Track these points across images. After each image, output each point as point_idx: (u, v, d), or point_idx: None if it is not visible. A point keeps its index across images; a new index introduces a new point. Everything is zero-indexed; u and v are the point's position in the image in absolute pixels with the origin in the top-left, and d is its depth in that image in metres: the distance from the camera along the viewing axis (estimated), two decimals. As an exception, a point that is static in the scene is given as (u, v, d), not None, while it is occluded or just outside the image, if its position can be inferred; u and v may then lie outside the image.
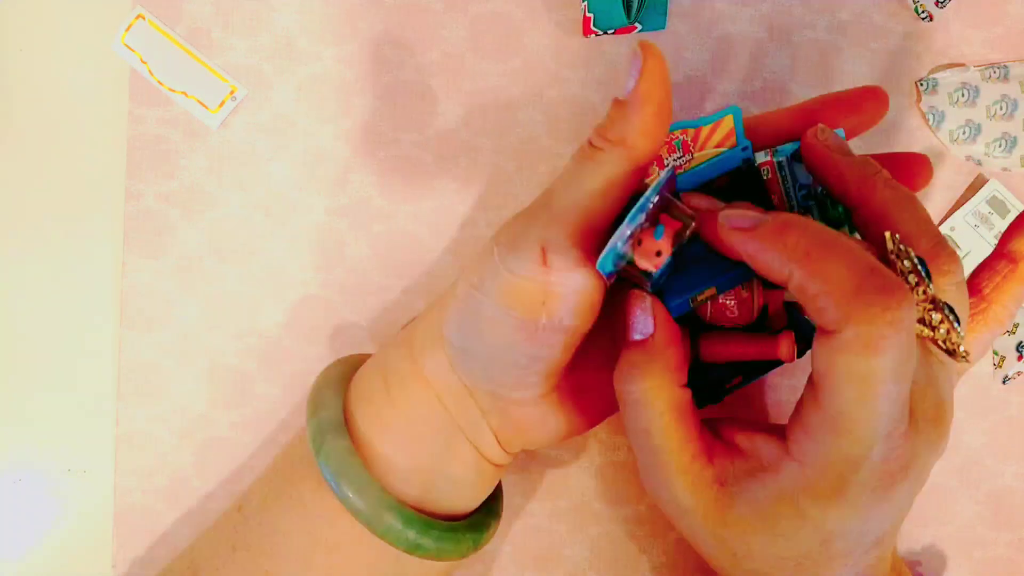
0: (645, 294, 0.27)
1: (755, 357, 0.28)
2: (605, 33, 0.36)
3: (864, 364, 0.22)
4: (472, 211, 0.37)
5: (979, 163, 0.37)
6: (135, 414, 0.37)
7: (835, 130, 0.28)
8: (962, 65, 0.37)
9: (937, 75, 0.37)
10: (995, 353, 0.38)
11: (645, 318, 0.26)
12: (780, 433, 0.26)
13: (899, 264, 0.24)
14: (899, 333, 0.22)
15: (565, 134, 0.37)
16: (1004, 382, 0.38)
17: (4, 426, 0.38)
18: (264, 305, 0.37)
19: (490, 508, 0.32)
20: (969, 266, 0.33)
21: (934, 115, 0.37)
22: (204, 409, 0.37)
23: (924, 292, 0.24)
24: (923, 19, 0.37)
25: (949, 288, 0.25)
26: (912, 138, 0.37)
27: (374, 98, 0.37)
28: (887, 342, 0.22)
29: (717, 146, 0.29)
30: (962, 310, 0.26)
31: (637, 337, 0.26)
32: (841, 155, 0.27)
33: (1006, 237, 0.29)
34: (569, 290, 0.26)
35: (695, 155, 0.29)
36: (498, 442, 0.30)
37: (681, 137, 0.29)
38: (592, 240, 0.26)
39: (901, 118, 0.37)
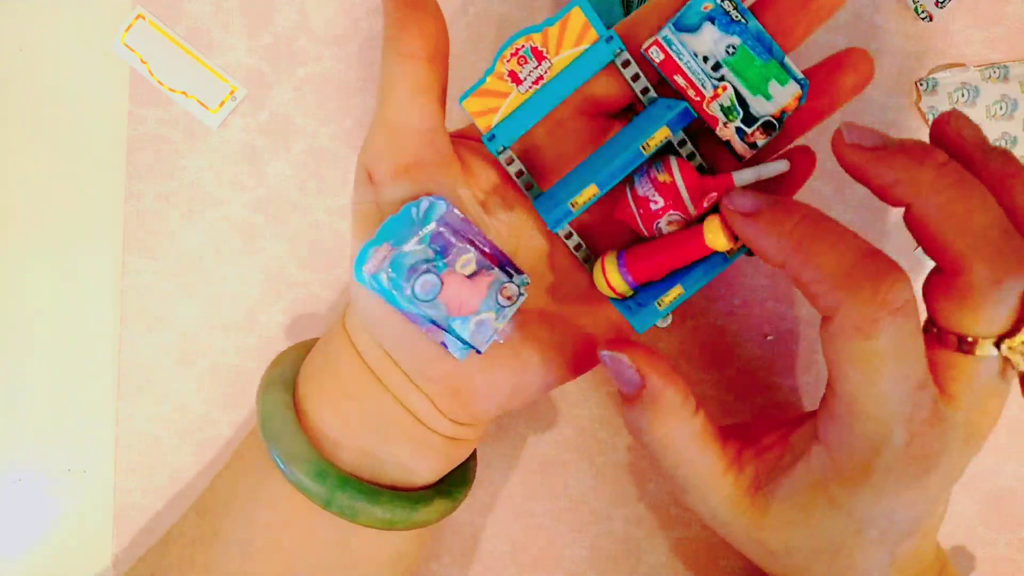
0: (615, 353, 0.26)
1: (687, 258, 0.26)
2: (605, 33, 0.36)
3: (861, 347, 0.22)
4: (472, 211, 0.37)
5: (979, 163, 0.37)
6: (135, 414, 0.37)
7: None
8: (962, 65, 0.37)
9: (937, 75, 0.37)
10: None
11: (627, 373, 0.26)
12: (812, 422, 0.26)
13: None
14: (893, 315, 0.22)
15: (565, 134, 0.37)
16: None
17: (4, 426, 0.38)
18: (264, 305, 0.37)
19: (442, 488, 0.31)
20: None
21: (934, 115, 0.37)
22: (204, 409, 0.37)
23: None
24: (923, 19, 0.37)
25: None
26: (912, 138, 0.37)
27: (374, 98, 0.37)
28: (880, 324, 0.22)
29: (576, 45, 0.26)
30: None
31: (628, 391, 0.26)
32: (879, 155, 0.24)
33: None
34: (395, 199, 0.26)
35: (553, 61, 0.26)
36: (437, 409, 0.29)
37: (527, 44, 0.26)
38: (414, 147, 0.26)
39: (901, 118, 0.37)
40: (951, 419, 0.24)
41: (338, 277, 0.37)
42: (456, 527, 0.38)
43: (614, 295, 0.27)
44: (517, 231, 0.28)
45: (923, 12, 0.36)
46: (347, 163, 0.37)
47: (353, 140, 0.37)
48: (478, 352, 0.27)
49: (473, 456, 0.34)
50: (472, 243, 0.26)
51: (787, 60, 0.26)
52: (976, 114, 0.37)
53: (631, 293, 0.27)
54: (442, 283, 0.26)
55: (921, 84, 0.37)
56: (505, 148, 0.27)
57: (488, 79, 0.26)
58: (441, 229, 0.26)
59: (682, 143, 0.27)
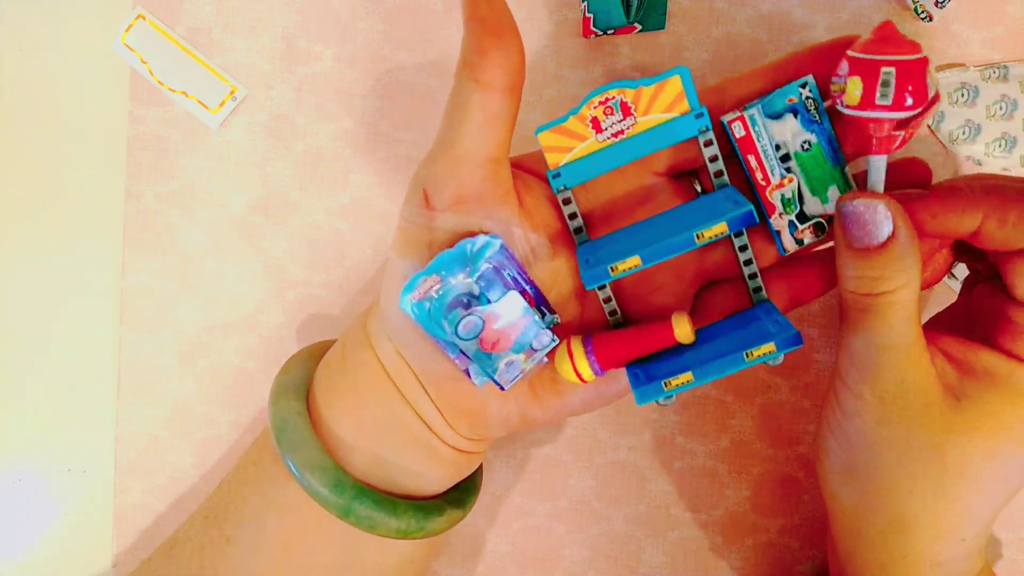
0: (871, 198, 0.25)
1: (654, 347, 0.27)
2: (605, 33, 0.36)
3: None
4: (472, 211, 0.37)
5: (979, 163, 0.37)
6: (135, 414, 0.37)
7: (806, 78, 0.26)
8: (962, 65, 0.37)
9: (937, 75, 0.37)
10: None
11: (879, 222, 0.25)
12: (993, 348, 0.26)
13: None
14: None
15: (565, 134, 0.37)
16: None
17: (4, 426, 0.38)
18: (264, 305, 0.37)
19: (452, 497, 0.31)
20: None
21: (934, 115, 0.37)
22: (204, 409, 0.37)
23: None
24: (923, 19, 0.37)
25: None
26: (911, 138, 0.37)
27: (374, 98, 0.37)
28: None
29: (666, 111, 0.26)
30: None
31: (875, 243, 0.25)
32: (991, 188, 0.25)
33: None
34: (448, 228, 0.26)
35: (638, 120, 0.26)
36: (446, 422, 0.29)
37: (618, 97, 0.26)
38: (477, 178, 0.26)
39: (901, 118, 0.37)
40: None
41: (338, 277, 0.37)
42: (457, 527, 0.38)
43: (578, 380, 0.27)
44: (557, 272, 0.28)
45: (923, 12, 0.36)
46: (347, 163, 0.37)
47: (353, 140, 0.37)
48: (502, 388, 0.27)
49: (480, 465, 0.34)
50: (516, 282, 0.27)
51: (847, 169, 0.26)
52: (976, 114, 0.37)
53: (591, 379, 0.27)
54: (484, 323, 0.26)
55: (921, 84, 0.37)
56: (566, 188, 0.27)
57: (570, 119, 0.27)
58: (491, 267, 0.26)
59: (743, 248, 0.27)
